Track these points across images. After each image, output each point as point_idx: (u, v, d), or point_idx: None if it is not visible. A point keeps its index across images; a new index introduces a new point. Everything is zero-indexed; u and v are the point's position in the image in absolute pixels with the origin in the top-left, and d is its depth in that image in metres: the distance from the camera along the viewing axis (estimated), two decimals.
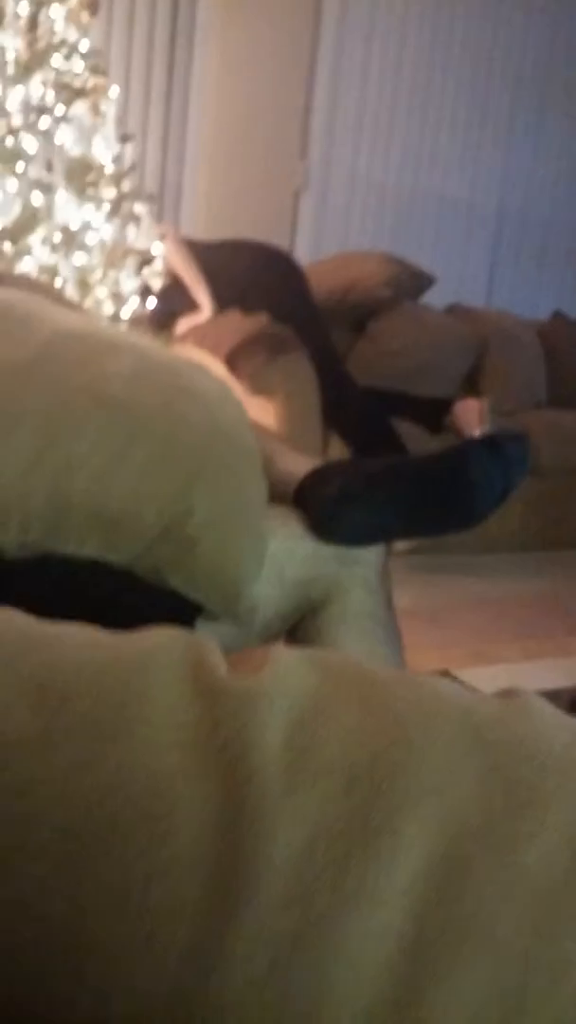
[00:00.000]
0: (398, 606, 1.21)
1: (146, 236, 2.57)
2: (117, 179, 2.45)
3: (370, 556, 1.15)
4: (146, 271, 2.58)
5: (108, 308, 2.44)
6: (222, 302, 2.74)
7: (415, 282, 3.11)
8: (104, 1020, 0.26)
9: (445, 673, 2.09)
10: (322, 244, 3.77)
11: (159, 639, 0.35)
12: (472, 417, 2.70)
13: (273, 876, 0.28)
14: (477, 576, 2.79)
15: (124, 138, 2.51)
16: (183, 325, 2.79)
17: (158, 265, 2.59)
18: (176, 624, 1.07)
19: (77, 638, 0.35)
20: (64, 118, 2.31)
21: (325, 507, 1.11)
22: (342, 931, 0.27)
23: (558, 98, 4.25)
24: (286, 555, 1.09)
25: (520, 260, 4.28)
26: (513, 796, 0.31)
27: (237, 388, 2.53)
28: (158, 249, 2.60)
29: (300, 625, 1.14)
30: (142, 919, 0.27)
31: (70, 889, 0.27)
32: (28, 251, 2.25)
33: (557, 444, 2.96)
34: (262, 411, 2.58)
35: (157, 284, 2.58)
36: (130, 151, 2.56)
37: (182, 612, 1.02)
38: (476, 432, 2.67)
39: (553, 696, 2.01)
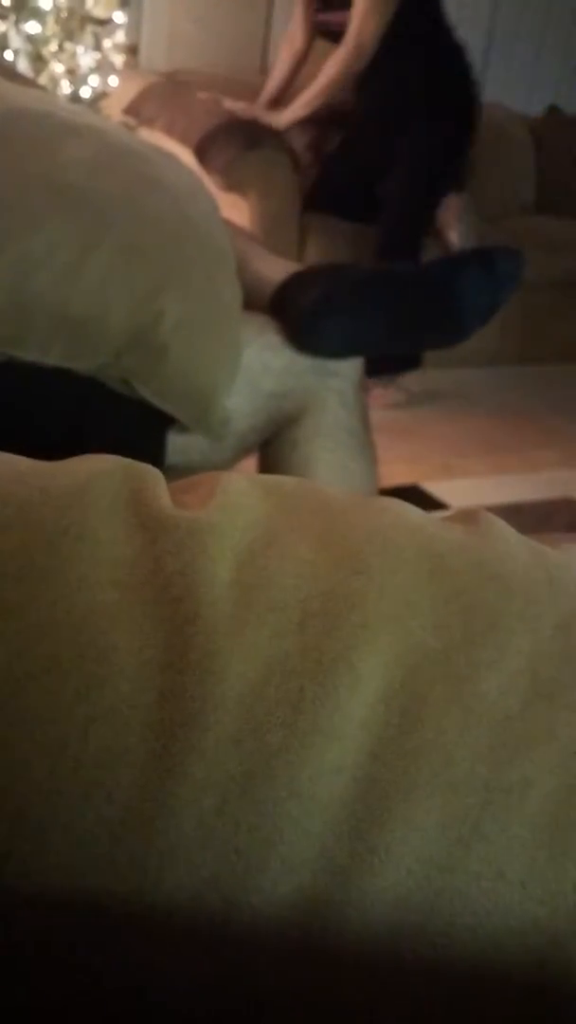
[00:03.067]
0: (371, 420, 1.19)
1: (100, 6, 2.31)
2: None
3: (347, 369, 1.11)
4: (107, 44, 2.34)
5: (65, 86, 2.23)
6: None
7: None
8: (42, 870, 0.25)
9: (414, 487, 2.10)
10: None
11: (95, 468, 0.32)
12: (449, 216, 2.57)
13: (221, 716, 0.27)
14: (451, 391, 2.76)
15: None
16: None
17: (120, 37, 2.34)
18: (146, 436, 1.04)
19: (0, 470, 0.31)
20: None
21: (305, 316, 1.05)
22: (295, 768, 0.27)
23: None
24: (261, 366, 1.04)
25: (516, 47, 3.94)
26: (474, 622, 0.30)
27: (207, 182, 2.36)
28: (120, 18, 2.35)
29: (274, 438, 1.11)
30: (82, 766, 0.26)
31: (3, 736, 0.25)
32: None
33: (542, 254, 2.84)
34: (234, 209, 2.43)
35: (119, 60, 2.35)
36: None
37: (152, 424, 0.98)
38: (454, 232, 2.56)
39: (516, 510, 2.04)
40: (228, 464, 1.08)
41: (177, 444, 1.01)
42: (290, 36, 2.51)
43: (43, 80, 2.22)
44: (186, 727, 0.27)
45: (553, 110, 3.44)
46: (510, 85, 3.89)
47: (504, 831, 0.27)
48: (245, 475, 0.35)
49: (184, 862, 0.26)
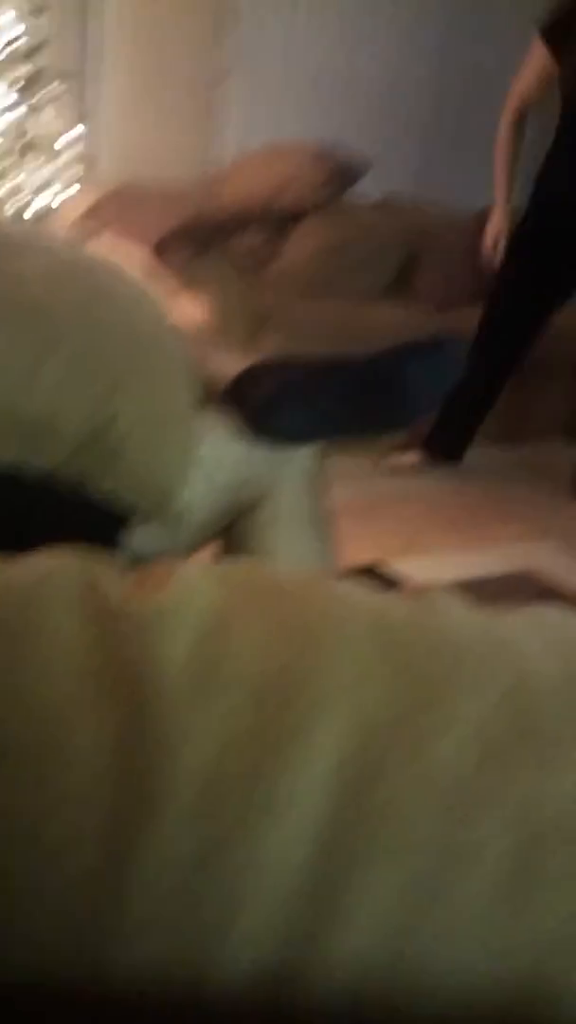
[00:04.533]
0: (334, 503, 1.21)
1: (59, 121, 2.41)
2: (28, 55, 2.28)
3: (302, 456, 1.14)
4: (60, 160, 2.43)
5: (16, 202, 2.31)
6: None
7: (349, 174, 2.98)
8: (2, 958, 0.25)
9: (376, 564, 2.12)
10: (253, 125, 3.57)
11: (51, 564, 0.34)
12: None
13: (178, 793, 0.27)
14: (411, 470, 2.80)
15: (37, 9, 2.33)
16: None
17: (73, 151, 2.44)
18: (97, 539, 1.04)
19: None
20: None
21: (259, 407, 1.08)
22: (254, 840, 0.27)
23: None
24: (216, 459, 1.07)
25: (456, 142, 4.15)
26: (424, 692, 0.31)
27: (166, 281, 2.44)
28: (74, 133, 2.45)
29: (234, 525, 1.13)
30: (40, 852, 0.26)
31: None
32: None
33: None
34: (191, 305, 2.51)
35: (73, 173, 2.44)
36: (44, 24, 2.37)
37: (102, 527, 1.00)
38: None
39: (478, 585, 2.06)
40: (188, 552, 1.10)
41: (137, 535, 1.02)
42: (513, 104, 2.48)
43: None
44: (144, 806, 0.27)
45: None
46: (452, 179, 4.06)
47: (462, 891, 0.28)
48: (198, 563, 0.37)
49: (147, 942, 0.26)
